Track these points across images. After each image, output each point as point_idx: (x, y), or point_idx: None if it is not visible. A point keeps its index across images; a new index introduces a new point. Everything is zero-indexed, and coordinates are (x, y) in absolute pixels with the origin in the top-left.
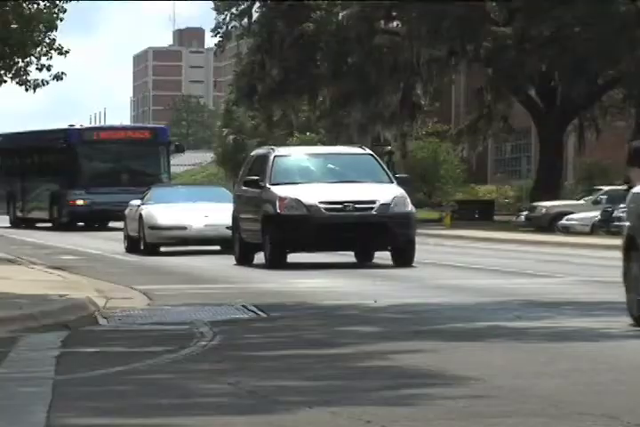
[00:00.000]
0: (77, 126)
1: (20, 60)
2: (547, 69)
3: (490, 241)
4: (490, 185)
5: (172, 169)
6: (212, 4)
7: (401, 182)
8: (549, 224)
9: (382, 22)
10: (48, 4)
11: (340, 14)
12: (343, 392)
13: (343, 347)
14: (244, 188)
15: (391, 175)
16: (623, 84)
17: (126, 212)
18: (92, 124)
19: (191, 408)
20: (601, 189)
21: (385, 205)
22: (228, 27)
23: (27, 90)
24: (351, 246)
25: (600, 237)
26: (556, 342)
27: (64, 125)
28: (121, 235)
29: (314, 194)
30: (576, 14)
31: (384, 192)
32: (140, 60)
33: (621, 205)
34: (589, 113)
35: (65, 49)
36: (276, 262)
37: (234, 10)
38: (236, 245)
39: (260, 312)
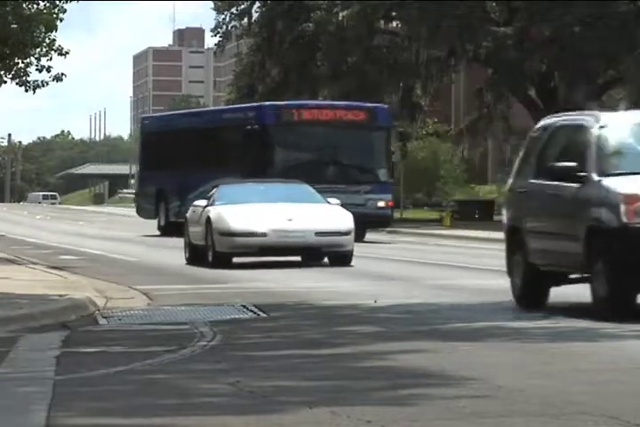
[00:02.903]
0: (270, 103)
1: (20, 60)
2: (547, 69)
3: (490, 241)
4: (490, 185)
5: None
6: (211, 4)
7: None
8: None
9: (382, 22)
10: (48, 5)
11: (340, 14)
12: (343, 392)
13: (343, 347)
14: (534, 181)
15: None
16: (623, 84)
17: (188, 215)
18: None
19: (191, 408)
20: None
21: None
22: (228, 27)
23: (26, 90)
24: None
25: None
26: (556, 342)
27: (66, 124)
28: (121, 236)
29: None
30: (576, 14)
31: None
32: (139, 60)
33: None
34: None
35: (65, 50)
36: (621, 303)
37: (234, 10)
38: (515, 273)
39: (260, 312)
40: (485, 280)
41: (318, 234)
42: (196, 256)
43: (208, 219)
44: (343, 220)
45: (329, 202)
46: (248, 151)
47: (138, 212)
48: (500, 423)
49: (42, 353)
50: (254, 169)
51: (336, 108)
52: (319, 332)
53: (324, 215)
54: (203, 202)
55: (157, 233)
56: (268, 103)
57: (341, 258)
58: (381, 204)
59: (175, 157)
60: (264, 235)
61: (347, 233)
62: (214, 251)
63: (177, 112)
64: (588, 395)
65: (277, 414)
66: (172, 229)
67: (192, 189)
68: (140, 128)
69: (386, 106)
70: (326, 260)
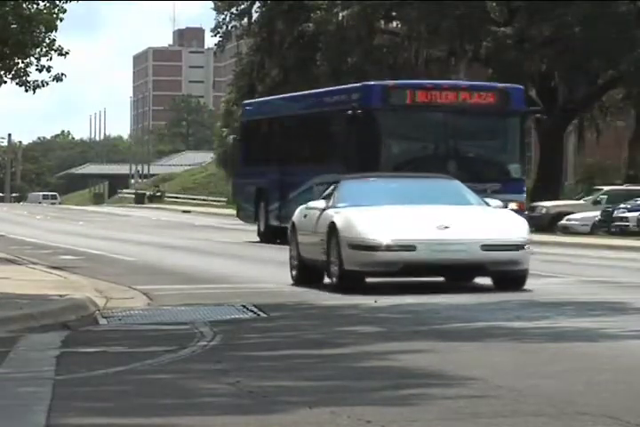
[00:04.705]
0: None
1: (20, 60)
2: (547, 69)
3: None
4: None
5: (171, 169)
6: (211, 4)
7: None
8: (549, 224)
9: (382, 22)
10: (48, 5)
11: (340, 14)
12: (343, 392)
13: (343, 347)
14: None
15: None
16: (623, 84)
17: (296, 219)
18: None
19: (191, 408)
20: (601, 189)
21: None
22: (228, 27)
23: (27, 91)
24: None
25: (600, 237)
26: (556, 342)
27: (66, 124)
28: (118, 236)
29: None
30: (576, 14)
31: None
32: (139, 60)
33: (621, 205)
34: (589, 113)
35: (65, 50)
36: None
37: (234, 10)
38: None
39: (260, 312)
40: (486, 280)
41: (485, 247)
42: (309, 275)
43: (332, 226)
44: (517, 228)
45: (488, 203)
46: (350, 141)
47: (238, 216)
48: (499, 424)
49: (42, 353)
50: (356, 163)
51: (459, 88)
52: (319, 332)
53: (490, 221)
54: (320, 203)
55: (256, 240)
56: (373, 82)
57: (514, 279)
58: (512, 206)
59: (275, 150)
60: (412, 248)
61: (522, 246)
62: (341, 269)
63: (278, 97)
64: (588, 395)
65: (277, 414)
66: (271, 235)
67: (292, 188)
68: (240, 117)
69: (520, 86)
70: (483, 280)
